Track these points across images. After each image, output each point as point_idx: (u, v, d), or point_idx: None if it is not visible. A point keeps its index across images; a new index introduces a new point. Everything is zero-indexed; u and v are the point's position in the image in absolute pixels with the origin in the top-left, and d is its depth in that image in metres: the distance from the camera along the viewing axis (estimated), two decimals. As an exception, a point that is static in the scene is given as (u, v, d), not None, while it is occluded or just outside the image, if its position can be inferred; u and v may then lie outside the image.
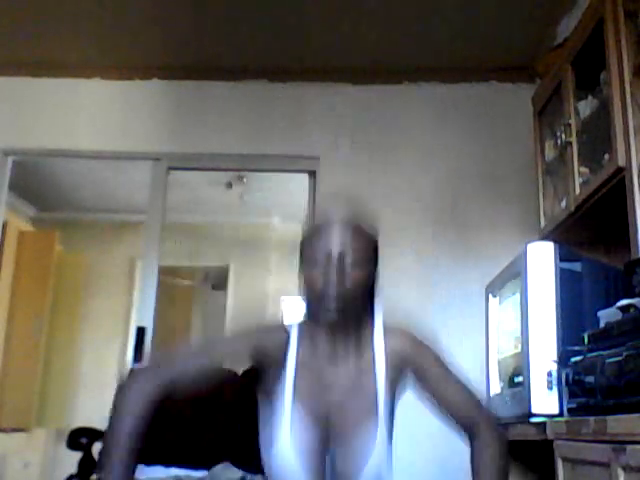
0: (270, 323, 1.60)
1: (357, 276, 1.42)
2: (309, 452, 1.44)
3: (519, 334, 2.07)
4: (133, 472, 1.40)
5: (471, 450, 1.52)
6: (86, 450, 2.67)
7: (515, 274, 2.16)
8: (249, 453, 2.75)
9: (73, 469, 2.65)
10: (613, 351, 1.47)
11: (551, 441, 1.70)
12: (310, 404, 1.46)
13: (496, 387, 2.40)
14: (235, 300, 5.76)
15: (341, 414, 1.48)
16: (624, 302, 1.65)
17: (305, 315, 1.53)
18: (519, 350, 2.08)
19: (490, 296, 2.53)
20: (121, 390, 1.49)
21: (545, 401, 1.89)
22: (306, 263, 1.45)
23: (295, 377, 1.47)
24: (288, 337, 1.51)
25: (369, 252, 1.46)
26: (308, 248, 1.46)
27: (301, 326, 1.54)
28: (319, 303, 1.43)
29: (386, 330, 1.54)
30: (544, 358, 1.91)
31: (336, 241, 1.41)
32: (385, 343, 1.52)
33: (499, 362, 2.39)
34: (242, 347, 1.53)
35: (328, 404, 1.48)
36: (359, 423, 1.47)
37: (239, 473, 2.53)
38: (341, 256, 1.40)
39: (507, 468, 1.45)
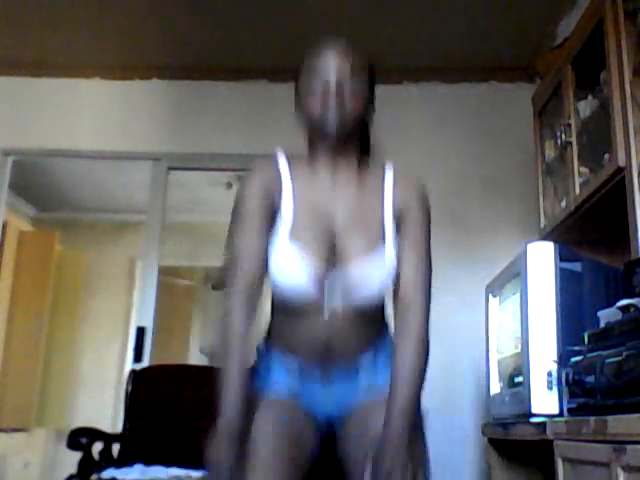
0: (261, 162, 1.55)
1: (355, 100, 1.43)
2: (313, 276, 1.42)
3: (519, 334, 2.07)
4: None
5: (395, 327, 1.51)
6: (86, 450, 2.67)
7: (515, 274, 2.16)
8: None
9: (73, 469, 2.65)
10: (613, 351, 1.47)
11: (551, 441, 1.71)
12: (313, 229, 1.45)
13: (496, 387, 2.41)
14: (235, 300, 5.76)
15: (346, 238, 1.46)
16: (624, 302, 1.65)
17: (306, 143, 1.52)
18: (519, 350, 2.08)
19: (490, 296, 2.53)
20: (224, 315, 1.41)
21: (545, 401, 1.89)
22: (304, 91, 1.45)
23: (294, 205, 1.46)
24: (278, 163, 1.51)
25: (365, 76, 1.47)
26: (305, 76, 1.45)
27: (290, 160, 1.52)
28: (319, 129, 1.43)
29: (397, 172, 1.56)
30: (544, 358, 1.91)
31: (333, 66, 1.42)
32: (395, 180, 1.53)
33: (499, 362, 2.39)
34: (259, 202, 1.47)
35: (332, 228, 1.46)
36: (365, 247, 1.46)
37: (239, 473, 2.53)
38: (339, 81, 1.41)
39: (422, 367, 1.43)
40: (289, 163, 1.52)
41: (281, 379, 1.51)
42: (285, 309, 1.50)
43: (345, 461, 1.47)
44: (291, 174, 1.50)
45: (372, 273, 1.47)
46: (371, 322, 1.53)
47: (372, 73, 1.50)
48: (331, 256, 1.45)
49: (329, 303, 1.45)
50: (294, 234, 1.44)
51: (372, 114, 1.55)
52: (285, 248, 1.44)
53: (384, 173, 1.55)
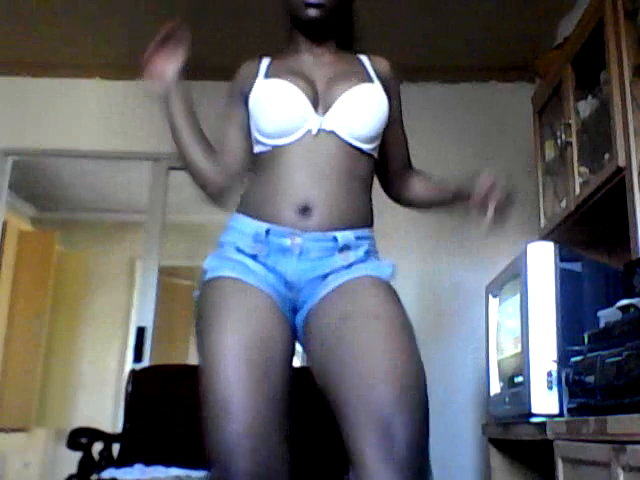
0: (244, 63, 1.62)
1: None
2: (298, 96, 1.39)
3: (519, 334, 2.07)
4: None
5: (406, 187, 1.61)
6: (86, 450, 2.67)
7: (515, 274, 2.16)
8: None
9: (73, 469, 2.65)
10: (613, 351, 1.47)
11: (551, 441, 1.71)
12: (289, 72, 1.46)
13: (496, 387, 2.41)
14: (235, 300, 5.76)
15: (329, 84, 1.43)
16: (624, 302, 1.65)
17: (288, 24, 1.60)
18: (519, 350, 2.08)
19: (490, 296, 2.53)
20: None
21: (545, 401, 1.89)
22: None
23: (267, 71, 1.51)
24: (260, 60, 1.58)
25: None
26: None
27: (273, 55, 1.57)
28: (300, 10, 1.49)
29: (370, 54, 1.56)
30: (544, 358, 1.91)
31: None
32: (370, 58, 1.55)
33: (499, 362, 2.39)
34: (233, 95, 1.58)
35: (312, 79, 1.44)
36: (352, 83, 1.42)
37: (239, 473, 2.53)
38: None
39: None
40: (271, 57, 1.57)
41: (240, 247, 1.37)
42: (263, 165, 1.42)
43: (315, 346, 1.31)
44: (270, 60, 1.55)
45: (364, 101, 1.40)
46: (361, 182, 1.41)
47: None
48: (316, 93, 1.41)
49: (317, 135, 1.36)
50: (269, 75, 1.48)
51: (352, 3, 1.58)
52: (263, 85, 1.45)
53: (359, 57, 1.55)
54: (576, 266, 2.01)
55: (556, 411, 1.86)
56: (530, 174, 2.80)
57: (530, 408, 1.91)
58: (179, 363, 4.51)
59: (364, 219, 1.41)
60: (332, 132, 1.37)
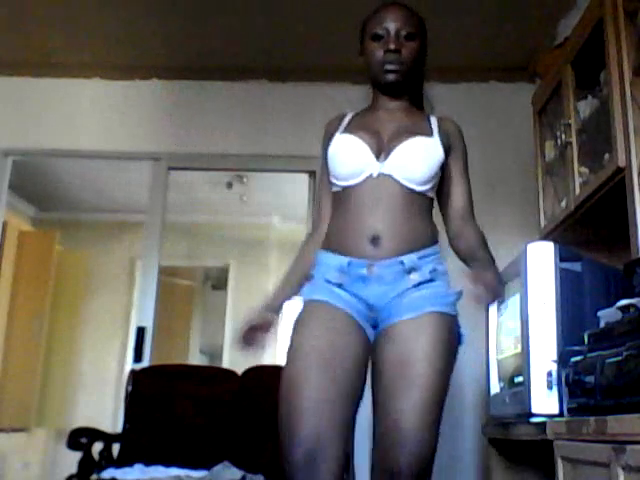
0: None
1: (410, 45, 1.73)
2: (364, 151, 1.65)
3: (519, 334, 2.07)
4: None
5: (456, 239, 1.75)
6: (86, 450, 2.67)
7: (515, 274, 2.16)
8: (249, 453, 2.75)
9: (73, 469, 2.65)
10: (613, 351, 1.47)
11: (551, 441, 1.71)
12: (363, 128, 1.71)
13: (496, 387, 2.41)
14: (235, 300, 5.76)
15: (394, 135, 1.68)
16: (624, 302, 1.65)
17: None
18: (519, 350, 2.08)
19: (490, 296, 2.53)
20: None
21: (545, 401, 1.89)
22: (368, 38, 1.75)
23: (347, 127, 1.76)
24: (344, 116, 1.82)
25: (419, 27, 1.79)
26: (369, 25, 1.76)
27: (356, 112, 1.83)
28: (381, 67, 1.71)
29: (439, 115, 1.82)
30: (544, 358, 1.91)
31: (393, 17, 1.73)
32: (438, 119, 1.79)
33: (499, 362, 2.39)
34: (323, 153, 1.80)
35: (380, 132, 1.70)
36: (411, 135, 1.67)
37: (239, 473, 2.53)
38: (398, 29, 1.71)
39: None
40: (354, 113, 1.82)
41: (328, 278, 1.63)
42: (339, 202, 1.69)
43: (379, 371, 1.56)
44: (352, 116, 1.81)
45: (418, 151, 1.65)
46: (419, 213, 1.65)
47: (424, 29, 1.82)
48: (380, 144, 1.67)
49: (378, 178, 1.62)
50: (346, 131, 1.73)
51: (424, 67, 1.85)
52: (338, 139, 1.71)
53: (428, 115, 1.81)
54: (576, 266, 2.01)
55: (556, 411, 1.86)
56: (530, 174, 2.80)
57: (530, 408, 1.91)
58: (179, 363, 4.52)
59: (424, 240, 1.64)
60: (389, 175, 1.63)
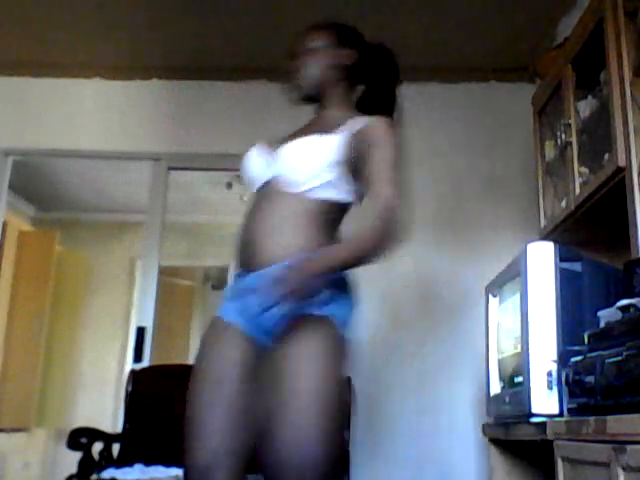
0: None
1: (309, 66, 1.84)
2: (255, 161, 1.76)
3: (519, 334, 2.07)
4: None
5: None
6: (86, 450, 2.67)
7: (515, 274, 2.16)
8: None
9: (73, 469, 2.65)
10: (613, 351, 1.46)
11: (551, 441, 1.70)
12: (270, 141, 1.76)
13: (496, 387, 2.40)
14: (235, 300, 5.75)
15: (292, 137, 1.73)
16: (624, 302, 1.65)
17: None
18: (519, 350, 2.08)
19: (490, 296, 2.53)
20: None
21: (545, 401, 1.89)
22: None
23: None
24: None
25: (323, 42, 1.86)
26: None
27: None
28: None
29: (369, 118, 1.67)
30: (544, 358, 1.91)
31: (295, 42, 1.85)
32: (363, 120, 1.65)
33: (499, 362, 2.39)
34: None
35: (280, 142, 1.74)
36: (302, 139, 1.66)
37: (239, 473, 2.53)
38: (292, 54, 1.85)
39: (382, 242, 1.47)
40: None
41: (225, 292, 1.68)
42: None
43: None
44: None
45: (299, 149, 1.62)
46: (297, 223, 1.56)
47: (339, 35, 1.88)
48: (272, 151, 1.71)
49: (264, 185, 1.64)
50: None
51: (343, 71, 1.83)
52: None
53: (355, 115, 1.70)
54: (576, 266, 2.01)
55: (556, 411, 1.86)
56: (530, 174, 2.80)
57: (530, 408, 1.91)
58: (179, 363, 4.51)
59: (294, 250, 1.52)
60: (273, 178, 1.63)
